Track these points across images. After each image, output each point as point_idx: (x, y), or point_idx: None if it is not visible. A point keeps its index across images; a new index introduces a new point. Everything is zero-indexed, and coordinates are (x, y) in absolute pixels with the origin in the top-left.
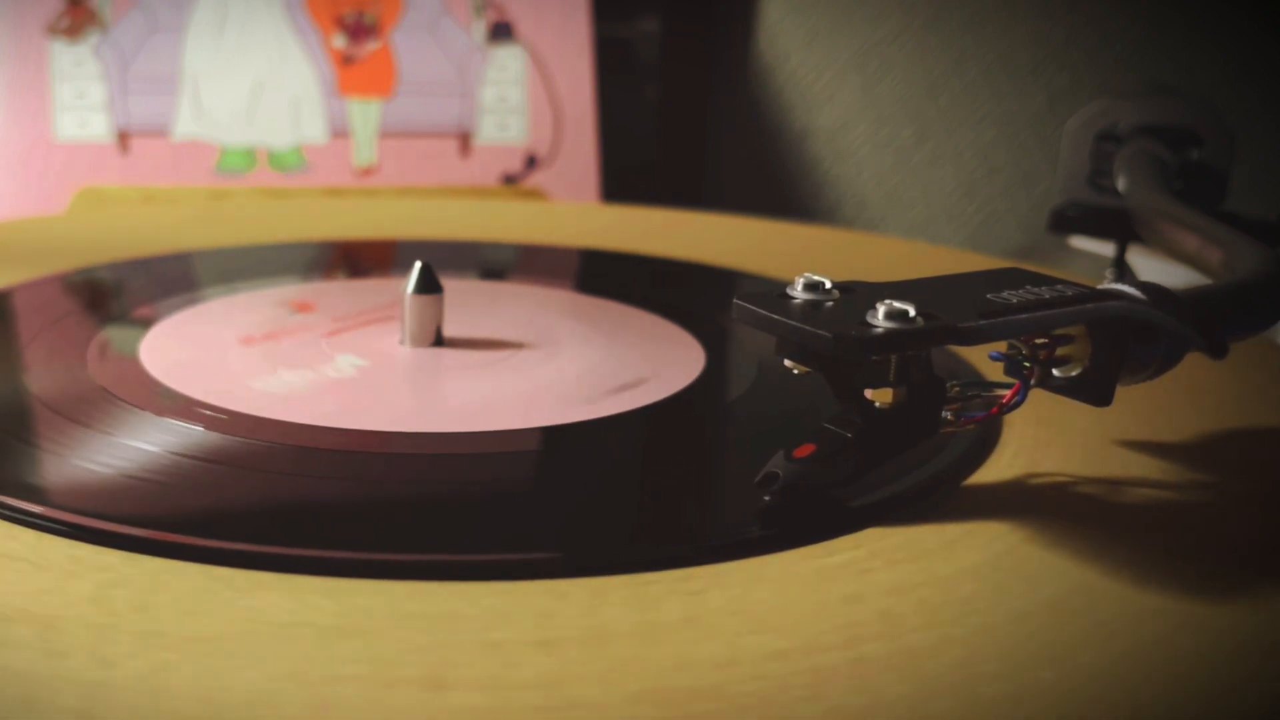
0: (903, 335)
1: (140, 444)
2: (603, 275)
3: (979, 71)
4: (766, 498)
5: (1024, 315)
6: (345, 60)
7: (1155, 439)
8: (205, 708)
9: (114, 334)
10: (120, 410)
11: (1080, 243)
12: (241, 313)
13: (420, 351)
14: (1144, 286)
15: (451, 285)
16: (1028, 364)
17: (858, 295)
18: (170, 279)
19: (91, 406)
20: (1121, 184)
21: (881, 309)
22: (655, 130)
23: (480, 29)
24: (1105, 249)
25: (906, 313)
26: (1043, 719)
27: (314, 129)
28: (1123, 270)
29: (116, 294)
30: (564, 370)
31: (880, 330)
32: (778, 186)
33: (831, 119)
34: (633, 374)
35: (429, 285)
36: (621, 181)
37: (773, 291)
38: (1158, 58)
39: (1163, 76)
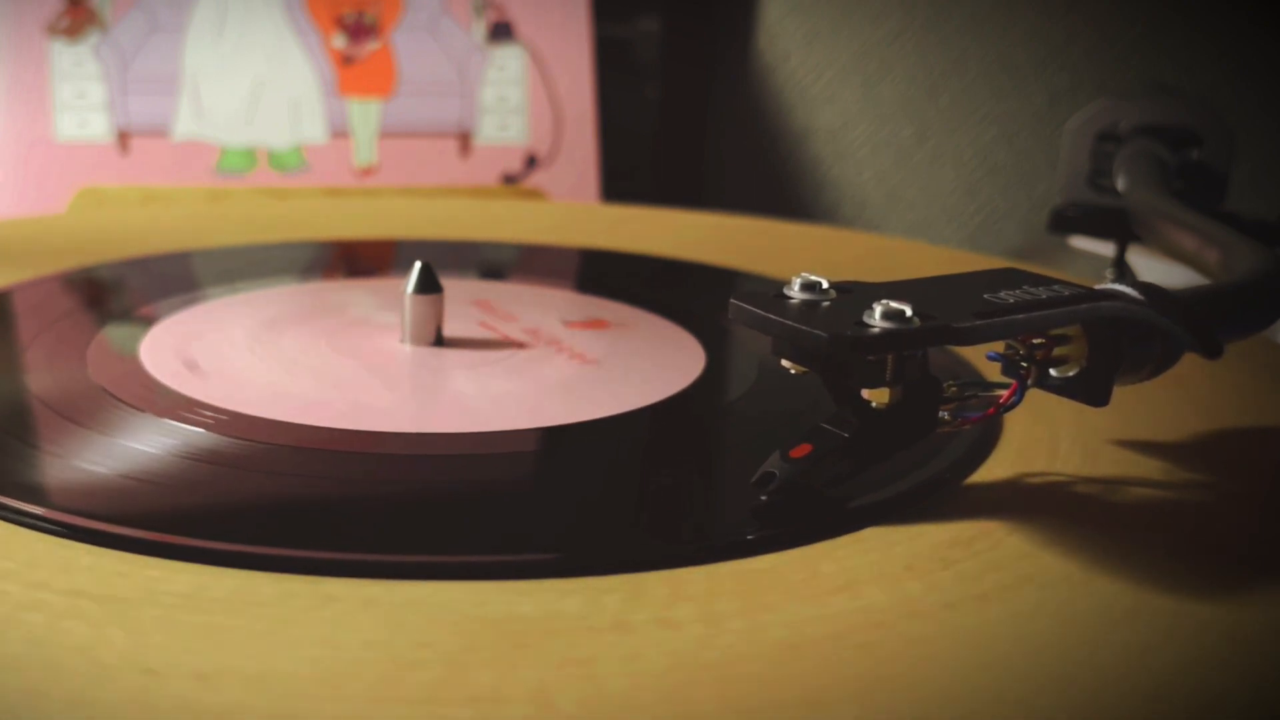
0: (898, 335)
1: (140, 445)
2: (603, 275)
3: (979, 71)
4: (763, 497)
5: (1020, 315)
6: (345, 60)
7: (1154, 439)
8: (204, 706)
9: (114, 334)
10: (120, 411)
11: (1080, 243)
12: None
13: (420, 351)
14: (1140, 287)
15: (451, 285)
16: (1025, 364)
17: (854, 295)
18: (170, 279)
19: (91, 407)
20: (1121, 184)
21: (878, 309)
22: (655, 130)
23: (480, 29)
24: (1105, 249)
25: (903, 313)
26: (1041, 718)
27: (314, 129)
28: (1122, 270)
29: (116, 294)
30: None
31: (876, 330)
32: (778, 186)
33: (831, 119)
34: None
35: (429, 285)
36: (621, 181)
37: (769, 291)
38: (1158, 58)
39: (1163, 76)
